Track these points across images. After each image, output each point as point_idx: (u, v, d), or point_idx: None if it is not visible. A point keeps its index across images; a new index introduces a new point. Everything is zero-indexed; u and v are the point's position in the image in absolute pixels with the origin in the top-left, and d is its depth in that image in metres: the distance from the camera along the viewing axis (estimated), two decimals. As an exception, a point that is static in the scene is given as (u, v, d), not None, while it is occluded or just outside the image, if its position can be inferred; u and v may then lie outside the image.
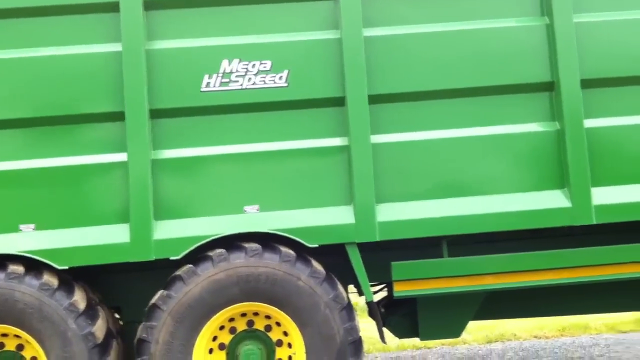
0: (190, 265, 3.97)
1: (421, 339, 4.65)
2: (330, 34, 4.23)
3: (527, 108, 4.27)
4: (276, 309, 3.97)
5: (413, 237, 4.15)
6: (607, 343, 6.63)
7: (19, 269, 3.92)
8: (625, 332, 7.16)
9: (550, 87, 4.26)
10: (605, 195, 4.21)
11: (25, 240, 4.01)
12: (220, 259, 3.95)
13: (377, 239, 4.10)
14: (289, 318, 3.97)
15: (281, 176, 4.17)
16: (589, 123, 4.23)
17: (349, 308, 4.03)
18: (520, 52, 4.27)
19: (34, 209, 4.05)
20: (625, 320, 7.26)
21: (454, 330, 4.61)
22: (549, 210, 4.17)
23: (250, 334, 4.08)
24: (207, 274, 3.93)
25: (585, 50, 4.25)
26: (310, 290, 3.94)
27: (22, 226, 4.03)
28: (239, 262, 3.94)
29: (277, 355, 4.08)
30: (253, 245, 3.99)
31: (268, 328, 4.09)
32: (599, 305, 4.87)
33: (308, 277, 3.95)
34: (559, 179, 4.21)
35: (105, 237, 4.03)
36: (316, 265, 4.03)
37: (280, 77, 4.18)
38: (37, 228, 4.03)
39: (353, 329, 3.99)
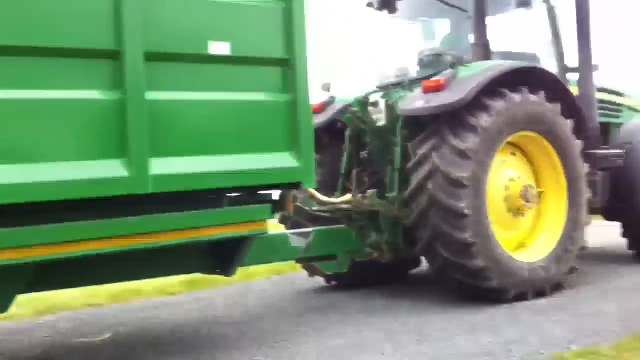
0: None
1: (-41, 319, 4.20)
2: None
3: (89, 75, 4.09)
4: None
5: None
6: (155, 305, 6.93)
7: None
8: (174, 294, 7.59)
9: (115, 55, 4.15)
10: (163, 166, 4.31)
11: None
12: None
13: None
14: None
15: None
16: (150, 95, 4.26)
17: None
18: (85, 15, 4.05)
19: None
20: (173, 282, 7.68)
21: (0, 306, 4.23)
22: (107, 180, 4.10)
23: None
24: None
25: (152, 23, 4.26)
26: None
27: None
28: None
29: None
30: None
31: None
32: (149, 271, 5.05)
33: None
34: (120, 149, 4.15)
35: None
36: None
37: None
38: None
39: None
